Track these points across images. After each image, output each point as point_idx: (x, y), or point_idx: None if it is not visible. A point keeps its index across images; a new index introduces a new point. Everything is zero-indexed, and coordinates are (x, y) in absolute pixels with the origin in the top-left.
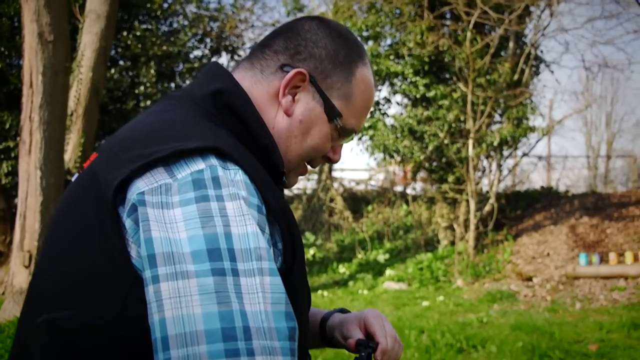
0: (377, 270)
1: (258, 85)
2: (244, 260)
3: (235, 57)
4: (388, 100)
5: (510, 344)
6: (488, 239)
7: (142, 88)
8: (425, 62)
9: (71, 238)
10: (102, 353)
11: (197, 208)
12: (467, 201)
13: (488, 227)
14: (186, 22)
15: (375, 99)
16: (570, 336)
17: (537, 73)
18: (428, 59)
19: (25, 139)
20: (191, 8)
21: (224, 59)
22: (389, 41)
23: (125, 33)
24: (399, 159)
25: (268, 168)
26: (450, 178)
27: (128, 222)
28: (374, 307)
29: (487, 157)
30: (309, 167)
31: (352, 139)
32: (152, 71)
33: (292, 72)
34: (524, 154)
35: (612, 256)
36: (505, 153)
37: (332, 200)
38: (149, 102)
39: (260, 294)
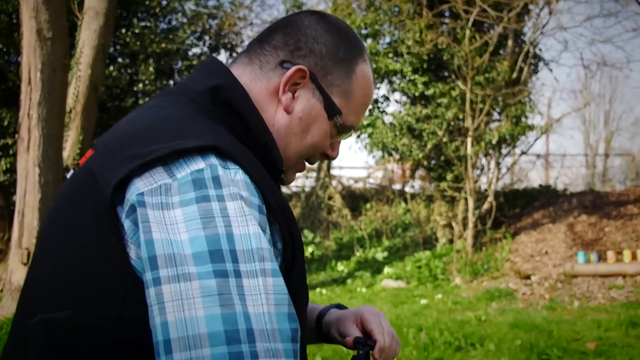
0: (375, 268)
1: (257, 81)
2: (246, 262)
3: (234, 55)
4: (387, 98)
5: (509, 342)
6: (486, 237)
7: (140, 85)
8: (424, 60)
9: (67, 235)
10: (99, 354)
11: (197, 208)
12: (466, 199)
13: (486, 225)
14: (185, 20)
15: (374, 97)
16: (569, 334)
17: (535, 71)
18: (427, 57)
19: (24, 136)
20: (190, 5)
21: (222, 57)
22: (387, 39)
23: (124, 30)
24: (397, 157)
25: (266, 165)
26: (449, 176)
27: (127, 223)
28: (372, 305)
29: (486, 155)
30: (306, 163)
31: (350, 135)
32: (151, 69)
33: (293, 69)
34: (523, 152)
35: (610, 254)
36: (504, 151)
37: (330, 198)
38: (147, 100)
39: (263, 295)
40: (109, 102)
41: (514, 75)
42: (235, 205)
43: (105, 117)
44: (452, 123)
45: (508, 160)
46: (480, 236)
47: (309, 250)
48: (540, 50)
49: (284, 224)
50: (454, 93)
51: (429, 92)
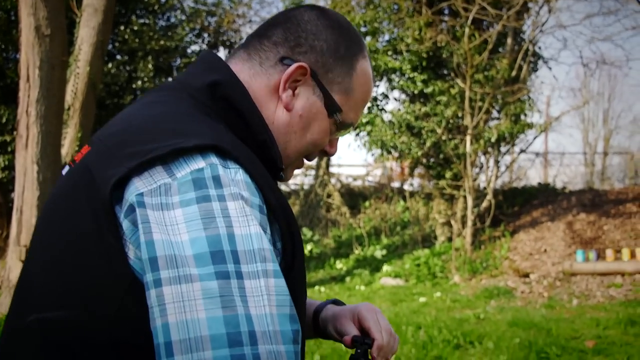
0: (374, 266)
1: (257, 78)
2: (247, 263)
3: None
4: (386, 96)
5: (507, 340)
6: (485, 235)
7: (139, 83)
8: (423, 58)
9: (62, 233)
10: (95, 353)
11: (198, 209)
12: (465, 197)
13: (485, 223)
14: (184, 17)
15: (373, 94)
16: (567, 332)
17: (535, 69)
18: (426, 55)
19: (22, 133)
20: (189, 3)
21: (221, 54)
22: (386, 37)
23: (122, 27)
24: (396, 154)
25: (265, 163)
26: (448, 174)
27: (125, 223)
28: (371, 303)
29: (485, 153)
30: (305, 160)
31: (349, 132)
32: (150, 66)
33: (294, 66)
34: (522, 151)
35: (609, 253)
36: (503, 149)
37: (329, 196)
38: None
39: (265, 296)
40: (108, 100)
41: (513, 73)
42: (236, 205)
43: (103, 114)
44: (451, 121)
45: (507, 159)
46: (479, 234)
47: (307, 248)
48: (539, 48)
49: (284, 223)
50: (453, 91)
51: (428, 90)
